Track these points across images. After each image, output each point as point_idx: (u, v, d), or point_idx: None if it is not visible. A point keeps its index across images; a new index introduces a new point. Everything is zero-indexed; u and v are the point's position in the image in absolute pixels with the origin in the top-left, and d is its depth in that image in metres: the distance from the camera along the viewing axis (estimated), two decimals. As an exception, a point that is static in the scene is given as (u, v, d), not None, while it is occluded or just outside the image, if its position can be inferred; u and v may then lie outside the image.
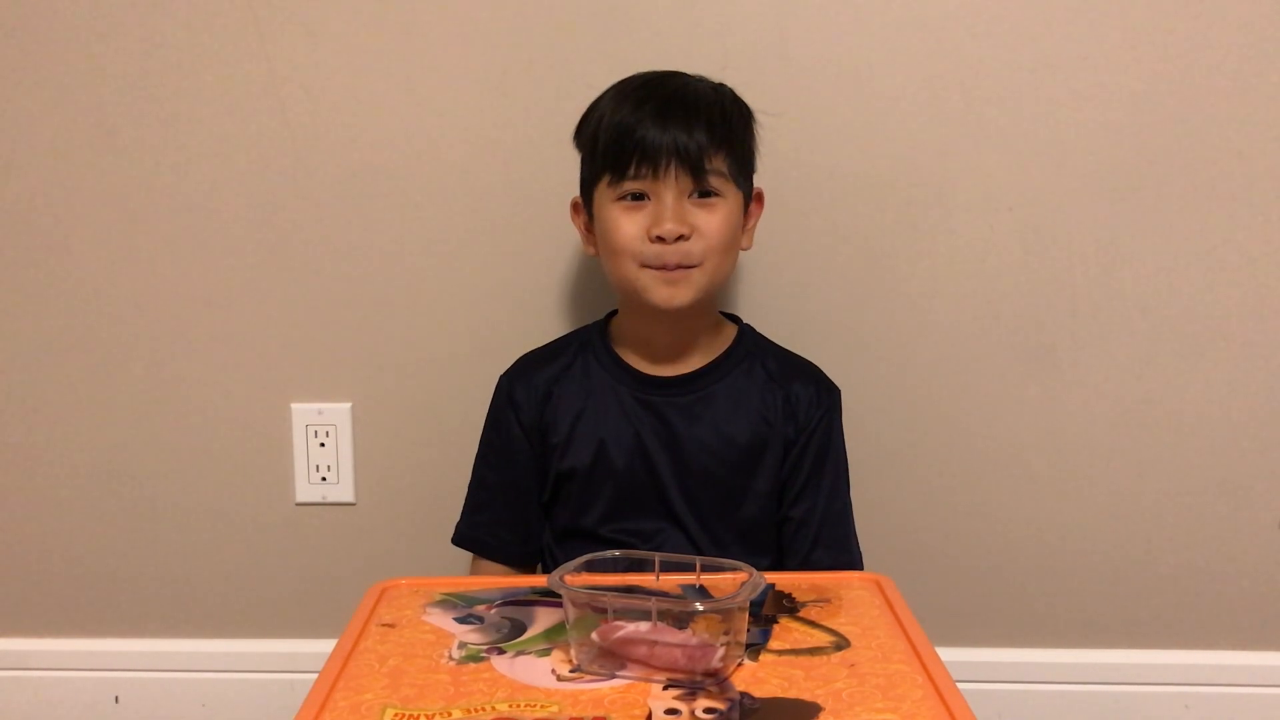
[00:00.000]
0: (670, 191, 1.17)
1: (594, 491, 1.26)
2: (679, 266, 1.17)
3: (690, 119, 1.17)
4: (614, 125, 1.19)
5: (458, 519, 1.33)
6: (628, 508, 1.25)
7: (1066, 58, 1.39)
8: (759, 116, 1.26)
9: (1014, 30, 1.39)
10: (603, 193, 1.20)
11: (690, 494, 1.24)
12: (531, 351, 1.33)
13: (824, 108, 1.42)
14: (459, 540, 1.33)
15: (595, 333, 1.31)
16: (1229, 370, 1.45)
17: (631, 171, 1.17)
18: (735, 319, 1.32)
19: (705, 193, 1.18)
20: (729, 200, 1.20)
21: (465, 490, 1.49)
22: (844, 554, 1.26)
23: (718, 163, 1.18)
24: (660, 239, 1.16)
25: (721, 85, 1.25)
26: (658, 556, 1.01)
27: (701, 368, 1.25)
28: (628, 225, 1.18)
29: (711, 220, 1.18)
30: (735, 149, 1.21)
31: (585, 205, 1.26)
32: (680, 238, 1.16)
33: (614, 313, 1.32)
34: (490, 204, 1.47)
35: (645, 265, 1.18)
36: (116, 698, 1.58)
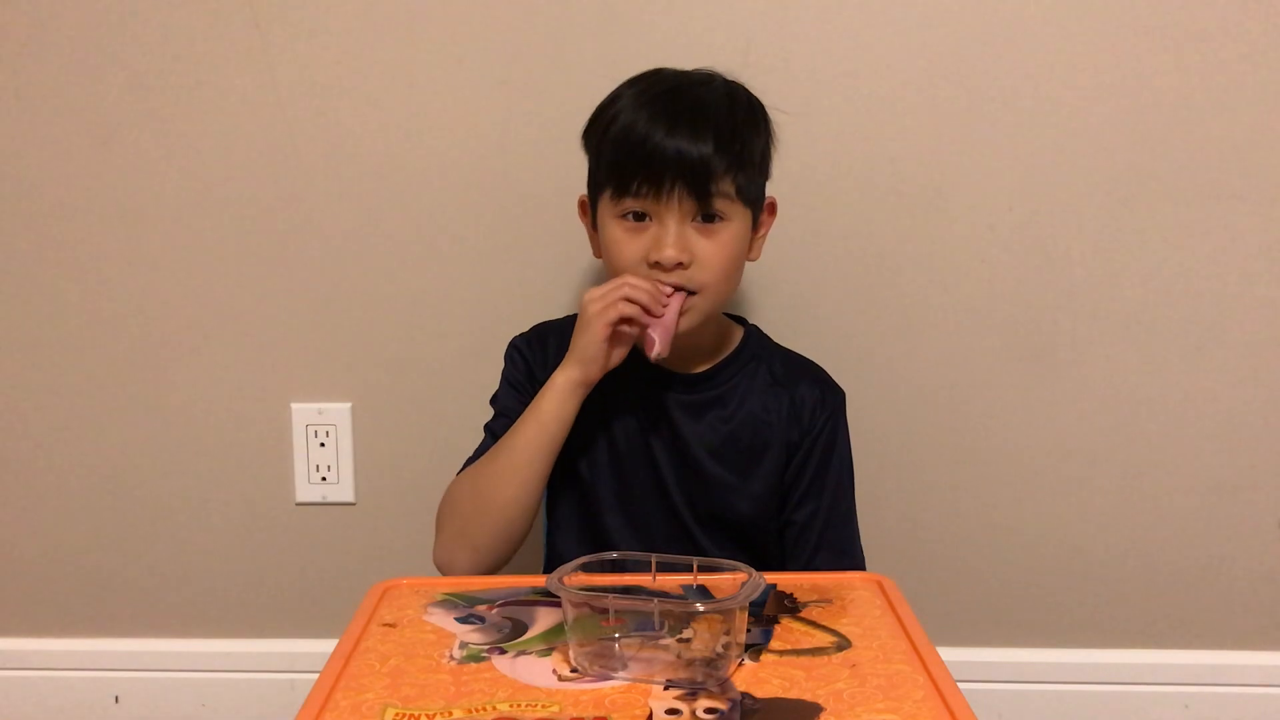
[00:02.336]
0: (672, 215, 1.13)
1: (595, 475, 1.24)
2: (678, 289, 1.14)
3: (699, 136, 1.12)
4: (619, 138, 1.15)
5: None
6: (626, 497, 1.25)
7: (1066, 58, 1.40)
8: (772, 114, 1.22)
9: (1014, 30, 1.39)
10: (605, 205, 1.17)
11: (688, 491, 1.24)
12: (547, 322, 1.31)
13: (824, 109, 1.42)
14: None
15: None
16: (1229, 370, 1.45)
17: (633, 190, 1.13)
18: (742, 320, 1.31)
19: (710, 216, 1.14)
20: (735, 223, 1.16)
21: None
22: (845, 558, 1.25)
23: (725, 185, 1.13)
24: (658, 264, 1.13)
25: (735, 89, 1.20)
26: (654, 557, 1.01)
27: (708, 369, 1.24)
28: (628, 248, 1.15)
29: (713, 247, 1.14)
30: (746, 166, 1.16)
31: (591, 208, 1.23)
32: (679, 266, 1.13)
33: None
34: (491, 204, 1.47)
35: None
36: (116, 698, 1.58)
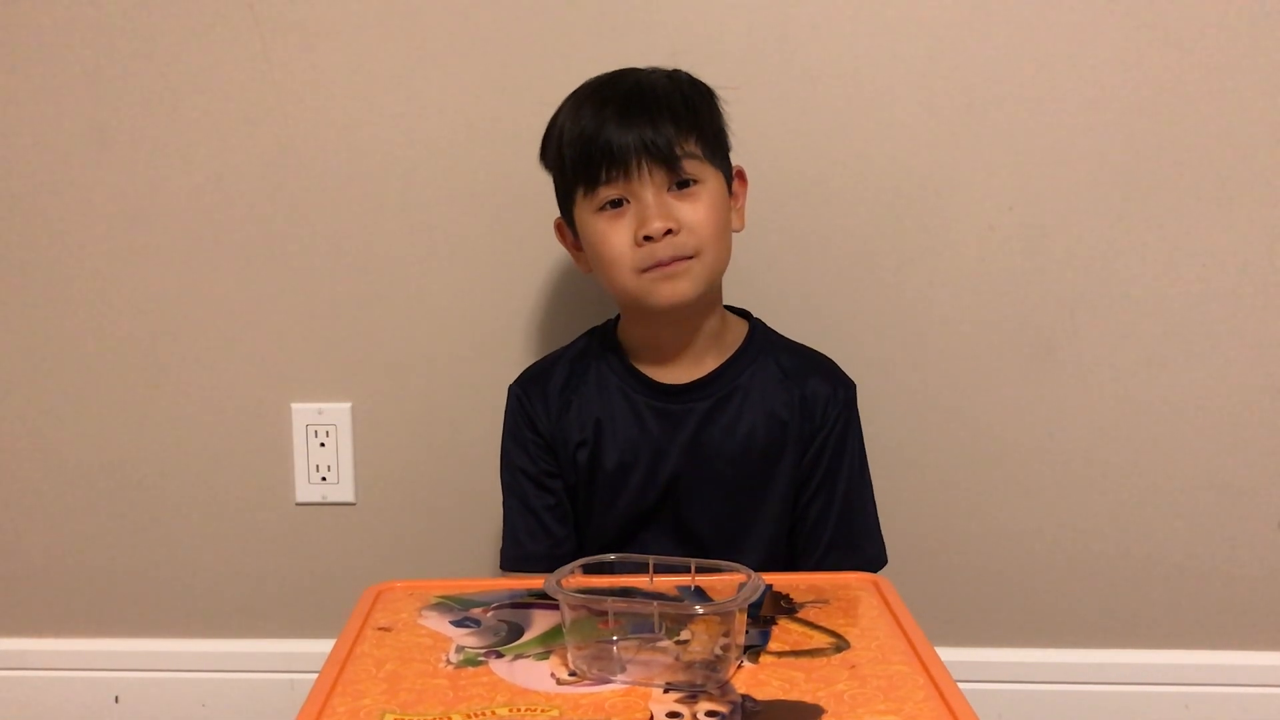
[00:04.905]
0: (648, 190, 1.14)
1: (612, 500, 1.25)
2: (674, 259, 1.15)
3: (652, 111, 1.15)
4: (576, 136, 1.17)
5: (500, 545, 1.29)
6: (648, 515, 1.24)
7: (1066, 58, 1.39)
8: (722, 94, 1.24)
9: (1014, 30, 1.39)
10: (582, 206, 1.18)
11: (708, 500, 1.23)
12: (539, 361, 1.32)
13: (826, 108, 1.42)
14: (511, 566, 1.27)
15: (604, 340, 1.28)
16: (1229, 370, 1.45)
17: (603, 177, 1.15)
18: (745, 314, 1.31)
19: (684, 182, 1.16)
20: (710, 185, 1.17)
21: (464, 490, 1.50)
22: (857, 553, 1.24)
23: (690, 148, 1.15)
24: (648, 238, 1.14)
25: (676, 71, 1.23)
26: (651, 559, 1.01)
27: (715, 370, 1.24)
28: (615, 235, 1.16)
29: (697, 210, 1.16)
30: (704, 131, 1.18)
31: (568, 224, 1.24)
32: (669, 232, 1.14)
33: (618, 317, 1.31)
34: (491, 204, 1.46)
35: (642, 270, 1.16)
36: (116, 698, 1.58)
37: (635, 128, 1.14)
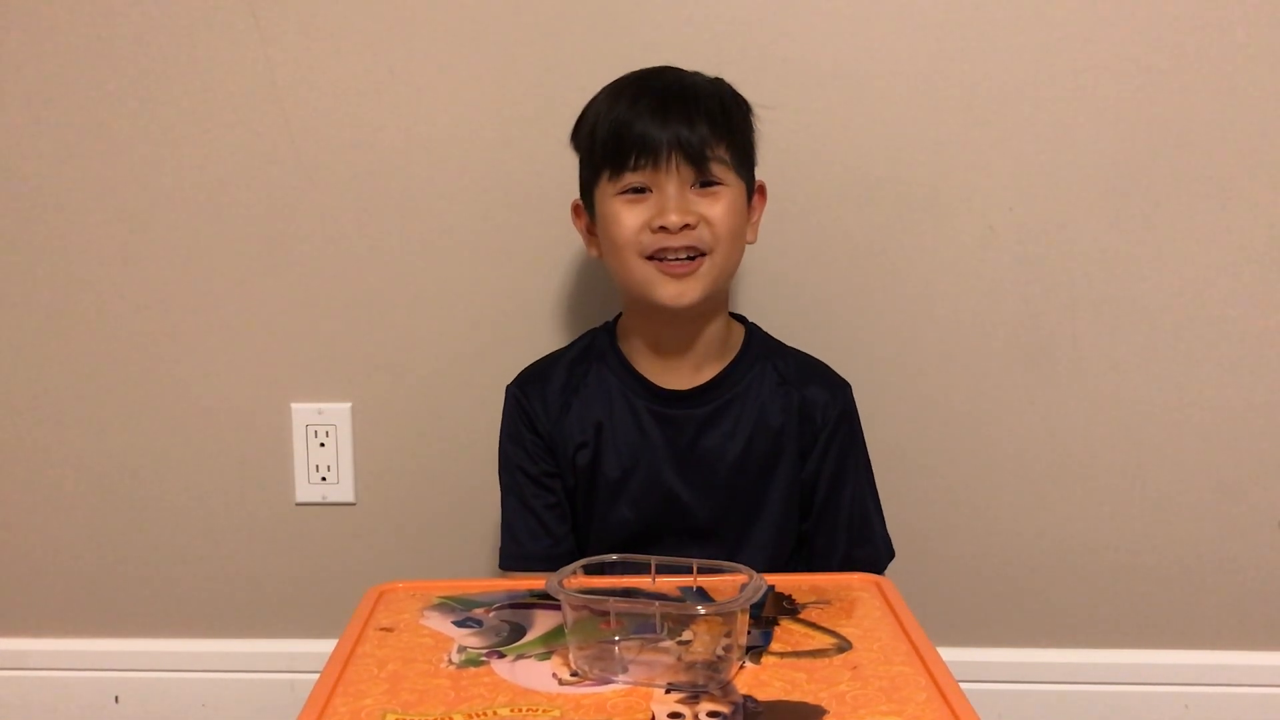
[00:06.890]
0: (672, 182, 1.15)
1: (613, 504, 1.25)
2: (687, 250, 1.16)
3: (689, 110, 1.16)
4: (611, 121, 1.18)
5: (499, 544, 1.29)
6: (648, 520, 1.24)
7: (1066, 58, 1.39)
8: (755, 110, 1.25)
9: (1014, 30, 1.39)
10: (603, 189, 1.19)
11: (711, 504, 1.23)
12: (537, 362, 1.32)
13: (825, 108, 1.42)
14: (511, 565, 1.27)
15: (604, 341, 1.28)
16: (1229, 370, 1.45)
17: (631, 164, 1.16)
18: (741, 319, 1.31)
19: (707, 182, 1.17)
20: (732, 189, 1.18)
21: (465, 490, 1.50)
22: (868, 546, 1.26)
23: (720, 151, 1.17)
24: (664, 228, 1.15)
25: (719, 79, 1.24)
26: (653, 560, 1.01)
27: (714, 378, 1.24)
28: (629, 218, 1.17)
29: (716, 209, 1.17)
30: (736, 139, 1.19)
31: (586, 207, 1.24)
32: (686, 227, 1.15)
33: (619, 316, 1.31)
34: (491, 204, 1.46)
35: (649, 257, 1.16)
36: (116, 698, 1.58)
37: (670, 121, 1.15)
